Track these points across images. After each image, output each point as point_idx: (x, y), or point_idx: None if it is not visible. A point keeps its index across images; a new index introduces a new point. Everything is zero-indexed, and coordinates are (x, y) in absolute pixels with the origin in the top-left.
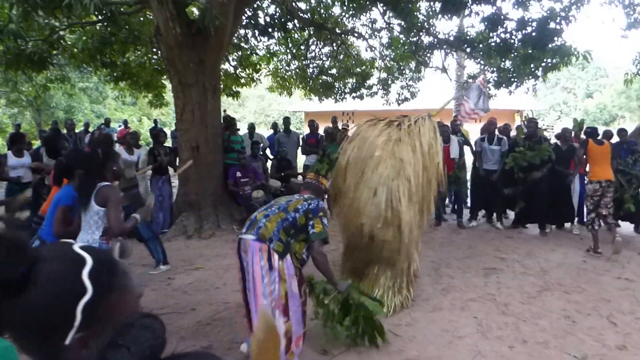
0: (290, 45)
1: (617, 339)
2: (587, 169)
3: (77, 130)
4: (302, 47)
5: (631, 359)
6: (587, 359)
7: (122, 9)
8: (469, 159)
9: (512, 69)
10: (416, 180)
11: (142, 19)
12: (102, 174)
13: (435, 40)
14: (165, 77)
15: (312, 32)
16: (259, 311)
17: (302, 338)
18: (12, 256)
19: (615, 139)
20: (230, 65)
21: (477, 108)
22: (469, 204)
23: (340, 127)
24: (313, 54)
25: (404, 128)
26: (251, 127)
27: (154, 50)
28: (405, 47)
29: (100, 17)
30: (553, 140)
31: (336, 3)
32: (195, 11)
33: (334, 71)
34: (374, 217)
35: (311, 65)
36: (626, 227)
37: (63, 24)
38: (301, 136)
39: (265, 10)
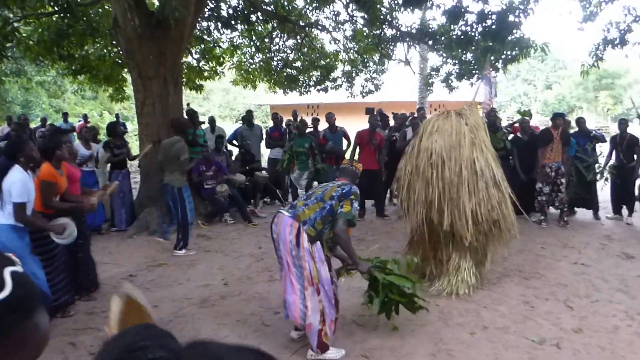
0: (253, 37)
1: (574, 323)
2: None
3: (32, 126)
4: (266, 40)
5: (587, 342)
6: (544, 343)
7: (78, 0)
8: None
9: (473, 61)
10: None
11: (100, 10)
12: None
13: (398, 33)
14: (126, 70)
15: (275, 25)
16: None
17: (334, 322)
18: None
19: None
20: (193, 58)
21: (491, 96)
22: None
23: (301, 119)
24: (277, 47)
25: (469, 117)
26: (212, 121)
27: (114, 42)
28: (369, 40)
29: (56, 8)
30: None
31: None
32: (155, 2)
33: (298, 64)
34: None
35: (275, 58)
36: (584, 213)
37: (17, 15)
38: (265, 129)
39: (228, 2)
